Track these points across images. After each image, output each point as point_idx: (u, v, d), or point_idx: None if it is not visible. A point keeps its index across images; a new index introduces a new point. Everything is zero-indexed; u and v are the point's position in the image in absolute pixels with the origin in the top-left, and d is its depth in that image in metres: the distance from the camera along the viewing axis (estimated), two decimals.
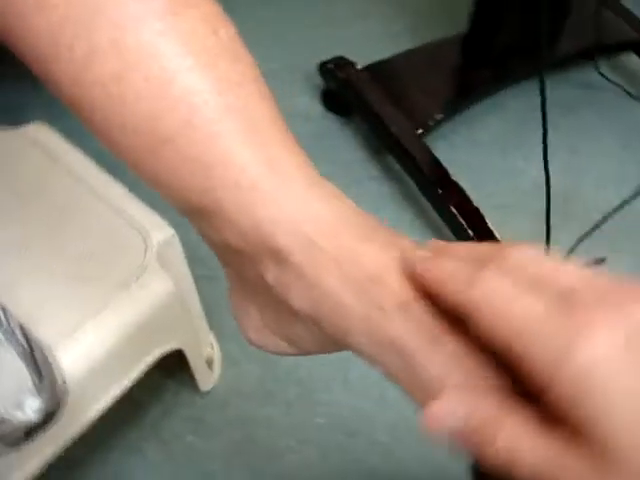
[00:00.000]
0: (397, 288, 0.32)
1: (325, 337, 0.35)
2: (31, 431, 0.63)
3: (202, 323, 0.92)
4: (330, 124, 1.27)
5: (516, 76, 1.19)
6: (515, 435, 0.27)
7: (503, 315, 0.28)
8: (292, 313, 0.36)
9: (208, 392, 0.99)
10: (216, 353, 1.01)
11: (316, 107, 1.29)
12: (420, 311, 0.31)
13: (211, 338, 1.00)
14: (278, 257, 0.34)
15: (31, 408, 0.62)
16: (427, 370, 0.30)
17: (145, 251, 0.76)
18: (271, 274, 0.35)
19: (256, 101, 0.35)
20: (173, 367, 0.96)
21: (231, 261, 0.38)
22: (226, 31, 0.36)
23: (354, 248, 0.33)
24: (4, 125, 0.86)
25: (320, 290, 0.33)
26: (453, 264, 0.31)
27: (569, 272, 0.28)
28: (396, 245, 0.34)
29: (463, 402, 0.29)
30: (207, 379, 0.98)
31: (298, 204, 0.34)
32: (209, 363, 0.99)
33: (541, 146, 0.98)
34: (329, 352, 0.37)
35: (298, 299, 0.34)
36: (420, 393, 0.31)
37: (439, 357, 0.30)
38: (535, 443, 0.27)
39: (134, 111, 0.34)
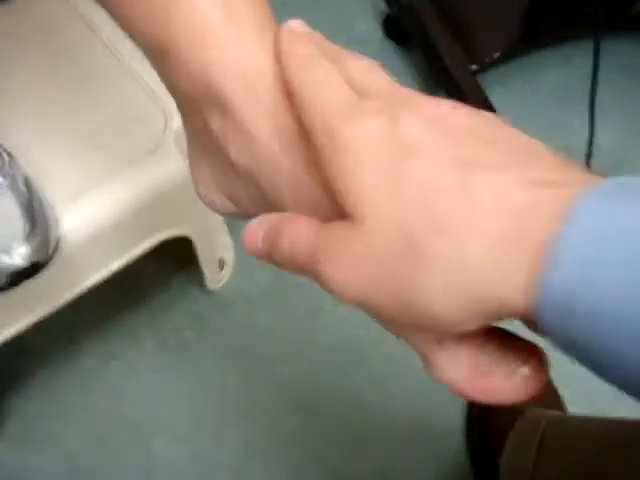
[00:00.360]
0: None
1: (262, 197, 0.36)
2: (16, 277, 0.63)
3: (216, 218, 0.91)
4: (388, 51, 1.24)
5: (584, 30, 1.14)
6: (295, 230, 0.32)
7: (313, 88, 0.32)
8: (234, 169, 0.37)
9: (214, 292, 0.99)
10: (229, 255, 1.00)
11: (376, 32, 1.26)
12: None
13: (227, 239, 0.99)
14: (223, 107, 0.35)
15: (19, 254, 0.62)
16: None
17: (164, 130, 0.75)
18: (215, 124, 0.36)
19: None
20: (184, 260, 0.96)
21: (185, 108, 0.39)
22: None
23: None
24: None
25: (255, 143, 0.34)
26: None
27: (380, 76, 0.33)
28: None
29: (267, 218, 0.34)
30: (216, 278, 0.98)
31: (246, 53, 0.34)
32: (221, 264, 0.99)
33: (598, 106, 0.95)
34: (267, 213, 0.37)
35: (236, 152, 0.36)
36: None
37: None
38: (308, 229, 0.32)
39: None
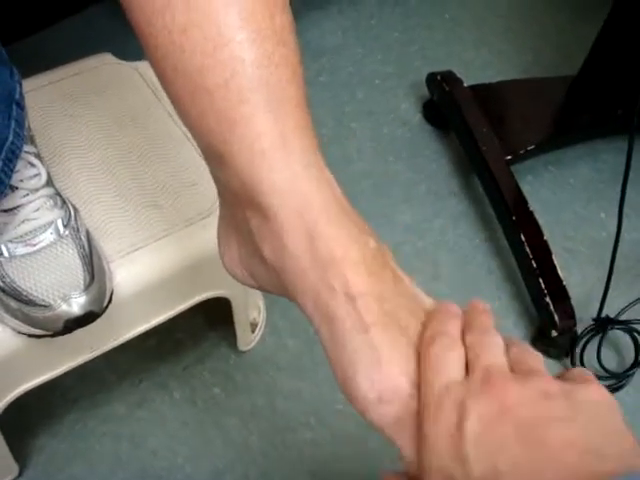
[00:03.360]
0: (350, 278, 0.40)
1: (281, 286, 0.43)
2: (71, 325, 0.67)
3: None
4: (426, 133, 1.29)
5: (615, 128, 1.19)
6: None
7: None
8: (261, 258, 0.43)
9: (244, 352, 1.02)
10: (261, 318, 1.04)
11: (416, 114, 1.32)
12: (361, 304, 0.40)
13: (260, 303, 1.03)
14: (264, 213, 0.41)
15: (77, 303, 0.66)
16: (351, 354, 0.40)
17: (217, 197, 0.80)
18: (255, 222, 0.43)
19: (288, 82, 0.42)
20: (218, 319, 1.00)
21: (227, 199, 0.46)
22: (281, 18, 0.42)
23: (327, 229, 0.41)
24: (116, 54, 0.92)
25: (287, 253, 0.41)
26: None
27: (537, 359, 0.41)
28: (363, 239, 0.42)
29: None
30: (247, 339, 1.01)
31: (294, 178, 0.41)
32: (253, 326, 1.02)
33: (627, 203, 0.99)
34: (282, 296, 0.45)
35: (269, 251, 0.42)
36: (340, 371, 0.41)
37: (363, 345, 0.40)
38: None
39: (188, 60, 0.41)
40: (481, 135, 1.13)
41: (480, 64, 1.41)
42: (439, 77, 1.22)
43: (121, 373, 1.00)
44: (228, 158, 0.42)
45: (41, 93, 0.85)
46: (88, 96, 0.86)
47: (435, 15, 1.51)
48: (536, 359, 0.41)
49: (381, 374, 0.39)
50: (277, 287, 0.45)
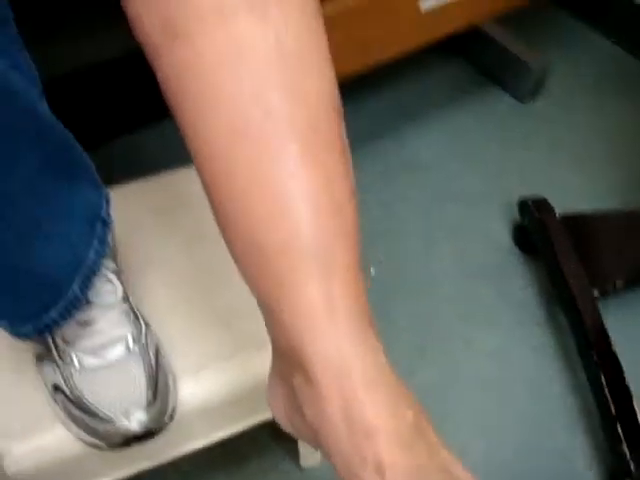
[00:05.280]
0: (382, 450, 0.40)
1: (318, 444, 0.44)
2: (129, 440, 0.68)
3: None
4: (513, 258, 1.28)
5: None
6: None
7: None
8: (302, 414, 0.44)
9: (307, 469, 1.01)
10: None
11: (506, 237, 1.30)
12: (390, 478, 0.39)
13: None
14: (307, 375, 0.42)
15: (137, 420, 0.68)
16: None
17: None
18: (297, 382, 0.44)
19: (343, 250, 0.43)
20: (283, 434, 0.99)
21: (276, 350, 0.47)
22: (340, 190, 0.44)
23: (364, 399, 0.41)
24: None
25: (325, 418, 0.42)
26: None
27: None
28: (401, 411, 0.41)
29: None
30: (310, 457, 1.00)
31: (337, 346, 0.41)
32: None
33: None
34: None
35: (307, 410, 0.43)
36: None
37: None
38: None
39: (246, 225, 0.43)
40: (569, 268, 1.11)
41: (578, 189, 1.39)
42: (531, 203, 1.21)
43: (185, 476, 1.00)
44: (276, 315, 0.43)
45: (125, 204, 0.88)
46: (172, 210, 0.89)
47: (535, 134, 1.51)
48: None
49: None
50: (315, 443, 0.45)
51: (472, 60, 1.61)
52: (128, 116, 1.33)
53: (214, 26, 0.41)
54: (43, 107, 0.60)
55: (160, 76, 0.45)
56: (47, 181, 0.61)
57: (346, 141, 0.46)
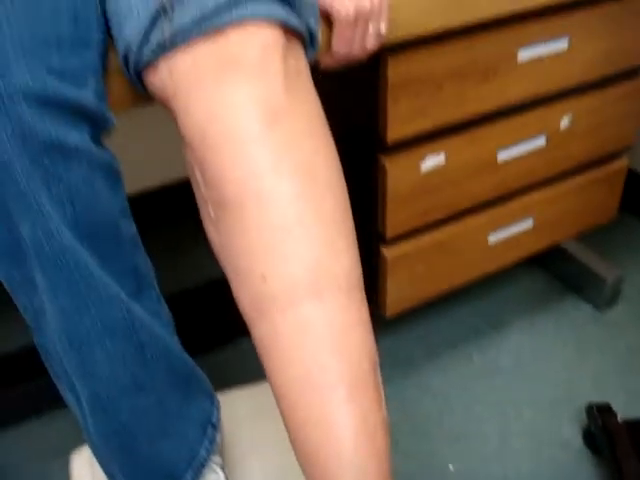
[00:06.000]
0: None
1: None
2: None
3: None
4: (585, 458, 1.37)
5: None
6: None
7: None
8: None
9: None
10: None
11: (578, 439, 1.41)
12: None
13: None
14: None
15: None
16: None
17: None
18: None
19: (373, 468, 0.61)
20: None
21: None
22: (374, 424, 0.62)
23: None
24: None
25: None
26: None
27: None
28: None
29: None
30: None
31: None
32: None
33: None
34: None
35: None
36: None
37: None
38: None
39: (304, 451, 0.63)
40: (629, 472, 1.20)
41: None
42: (595, 409, 1.32)
43: None
44: None
45: (231, 407, 1.07)
46: (269, 413, 1.07)
47: (610, 339, 1.63)
48: None
49: None
50: None
51: (550, 269, 1.78)
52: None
53: (284, 309, 0.63)
54: (176, 342, 0.82)
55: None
56: (176, 398, 0.81)
57: (379, 379, 0.64)
